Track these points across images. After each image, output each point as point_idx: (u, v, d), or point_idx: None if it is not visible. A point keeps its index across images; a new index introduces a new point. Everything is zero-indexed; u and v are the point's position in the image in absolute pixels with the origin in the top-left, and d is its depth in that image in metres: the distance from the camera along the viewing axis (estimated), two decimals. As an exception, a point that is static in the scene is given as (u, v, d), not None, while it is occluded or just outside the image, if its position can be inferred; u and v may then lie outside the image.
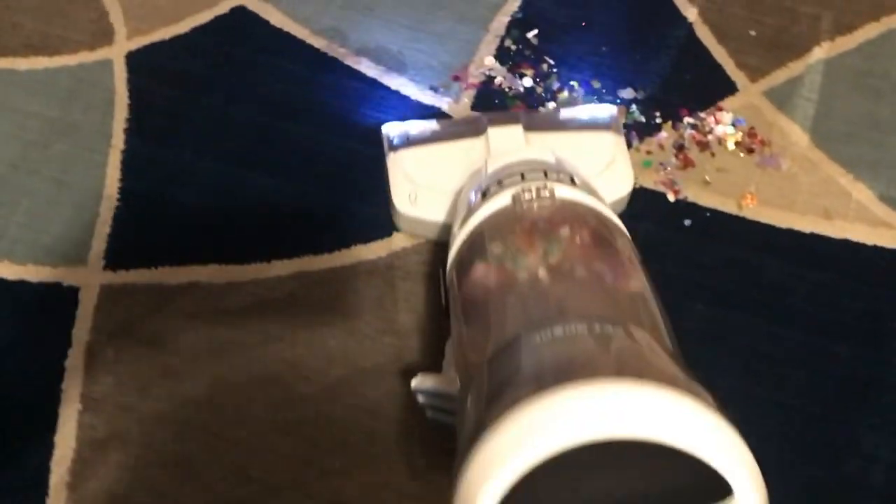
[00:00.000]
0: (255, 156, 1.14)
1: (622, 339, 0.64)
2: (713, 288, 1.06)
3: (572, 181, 0.90)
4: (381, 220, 1.09)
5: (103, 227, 1.09)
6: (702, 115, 1.16)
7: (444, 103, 1.16)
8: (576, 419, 0.54)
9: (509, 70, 1.18)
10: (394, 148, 1.07)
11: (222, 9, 1.23)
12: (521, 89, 1.17)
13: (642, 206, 1.10)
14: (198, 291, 1.05)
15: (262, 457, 0.97)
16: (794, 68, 1.19)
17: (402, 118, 1.13)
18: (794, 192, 1.12)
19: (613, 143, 1.06)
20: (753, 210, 1.11)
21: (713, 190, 1.12)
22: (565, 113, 1.11)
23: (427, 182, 1.03)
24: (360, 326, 1.04)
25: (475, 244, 0.86)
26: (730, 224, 1.10)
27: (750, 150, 1.14)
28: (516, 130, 1.03)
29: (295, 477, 0.96)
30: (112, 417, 0.99)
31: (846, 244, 1.09)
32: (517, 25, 1.22)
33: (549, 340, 0.63)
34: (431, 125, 1.09)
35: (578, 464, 0.54)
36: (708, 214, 1.10)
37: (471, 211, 0.90)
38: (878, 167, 1.13)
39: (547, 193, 0.84)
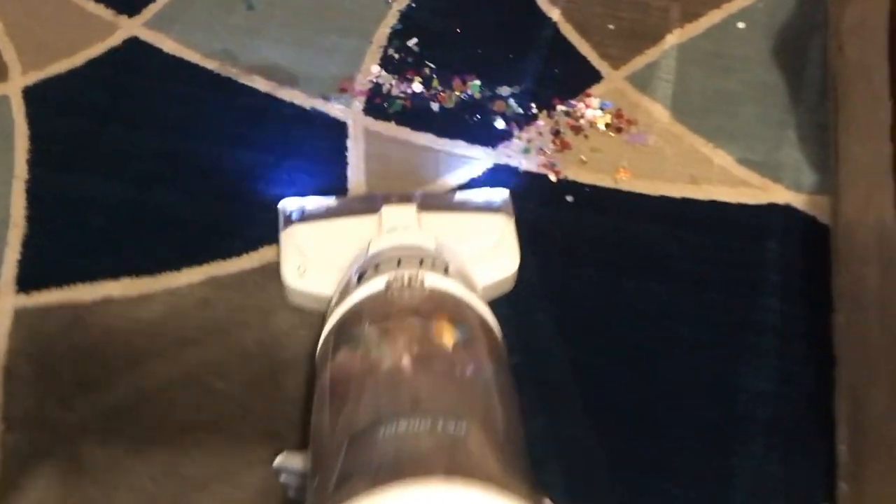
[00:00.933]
0: (160, 176, 1.19)
1: (461, 438, 0.69)
2: (599, 254, 1.16)
3: (446, 270, 0.93)
4: (286, 222, 1.16)
5: (13, 254, 1.12)
6: (573, 102, 1.26)
7: (336, 111, 1.24)
8: None
9: (395, 76, 1.27)
10: (288, 222, 1.09)
11: (115, 41, 1.29)
12: (408, 92, 1.25)
13: (527, 187, 1.20)
14: (112, 305, 1.09)
15: (190, 454, 1.01)
16: (650, 55, 1.32)
17: (296, 127, 1.21)
18: (662, 163, 1.23)
19: (502, 226, 1.09)
20: (628, 182, 1.21)
21: (590, 168, 1.22)
22: (460, 195, 1.15)
23: (317, 256, 1.05)
24: (274, 323, 1.09)
25: (344, 328, 0.88)
26: (608, 197, 1.20)
27: (619, 130, 1.25)
28: (409, 210, 1.05)
29: (223, 470, 1.00)
30: (35, 434, 1.01)
31: (713, 204, 1.21)
32: (398, 36, 1.31)
33: (393, 436, 0.68)
34: (328, 201, 1.12)
35: None
36: (587, 190, 1.20)
37: (345, 293, 0.93)
38: (734, 135, 1.26)
39: (418, 283, 0.88)
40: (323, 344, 0.90)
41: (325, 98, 1.25)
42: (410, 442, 0.68)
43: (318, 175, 1.19)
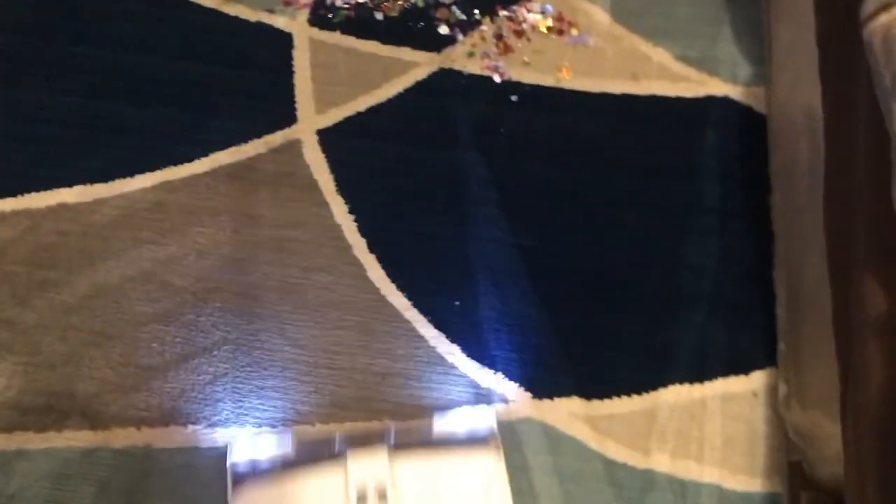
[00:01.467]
0: (107, 87, 1.20)
1: None
2: (545, 150, 1.19)
3: None
4: (234, 129, 1.17)
5: (-37, 166, 1.14)
6: (514, 7, 1.29)
7: (281, 22, 1.26)
8: None
9: (338, -13, 1.29)
10: (237, 480, 0.91)
11: None
12: (352, 2, 1.28)
13: (473, 90, 1.23)
14: (65, 211, 1.10)
15: (147, 345, 1.03)
16: (587, -38, 1.35)
17: (242, 40, 1.23)
18: (603, 62, 1.26)
19: (491, 467, 0.92)
20: (570, 81, 1.24)
21: (532, 69, 1.25)
22: (439, 425, 0.98)
23: None
24: (226, 222, 1.11)
25: None
26: (551, 95, 1.23)
27: (560, 32, 1.28)
28: (380, 458, 0.89)
29: (182, 357, 1.02)
30: (-5, 333, 1.03)
31: (653, 99, 1.24)
32: (341, -50, 1.33)
33: None
34: (283, 444, 0.94)
35: None
36: (530, 89, 1.23)
37: None
38: (671, 33, 1.29)
39: None
40: None
41: (270, 11, 1.27)
42: None
43: (265, 83, 1.21)
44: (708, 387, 1.06)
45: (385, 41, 1.26)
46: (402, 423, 1.00)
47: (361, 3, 1.28)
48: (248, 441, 0.95)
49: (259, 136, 1.17)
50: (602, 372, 1.06)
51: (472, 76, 1.24)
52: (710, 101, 1.24)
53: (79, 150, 1.15)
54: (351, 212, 1.13)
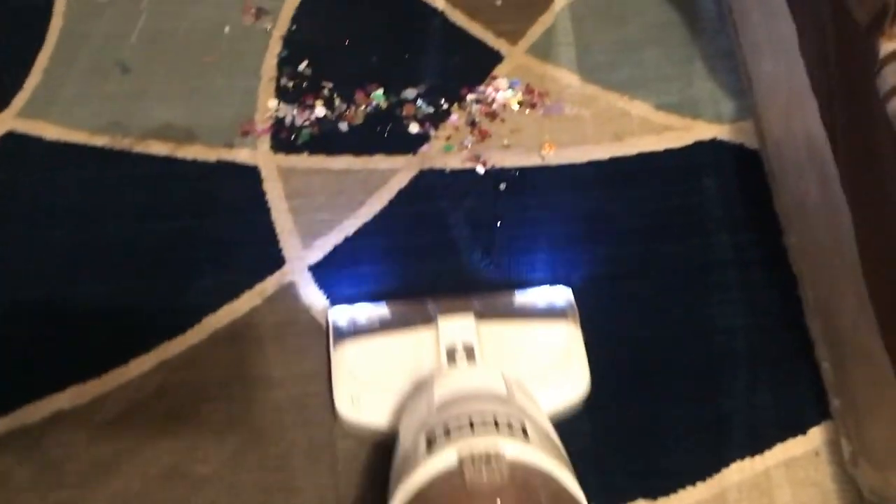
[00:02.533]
0: (74, 269, 1.11)
1: None
2: (545, 233, 1.14)
3: (524, 429, 0.82)
4: (221, 285, 1.10)
5: (-57, 394, 1.04)
6: (481, 88, 1.23)
7: (243, 156, 1.18)
8: None
9: (295, 106, 1.22)
10: (339, 338, 1.01)
11: None
12: (313, 118, 1.20)
13: (459, 185, 1.17)
14: (64, 419, 1.02)
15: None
16: (545, 21, 1.29)
17: (205, 184, 1.15)
18: (583, 127, 1.21)
19: (569, 335, 1.02)
20: (555, 156, 1.19)
21: (514, 151, 1.19)
22: (520, 298, 1.06)
23: (372, 381, 0.97)
24: (239, 392, 1.04)
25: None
26: (539, 175, 1.18)
27: (533, 106, 1.23)
28: (467, 321, 0.98)
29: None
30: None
31: (642, 157, 1.19)
32: (287, 63, 1.25)
33: None
34: (379, 310, 1.04)
35: None
36: (517, 174, 1.18)
37: (415, 462, 0.81)
38: (644, 81, 1.25)
39: (496, 460, 0.76)
40: None
41: (229, 146, 1.19)
42: None
43: (241, 228, 1.14)
44: (769, 456, 1.02)
45: (357, 153, 1.19)
46: (486, 295, 1.06)
47: (322, 118, 1.21)
48: (345, 308, 1.05)
49: (250, 286, 1.10)
50: (659, 465, 1.02)
51: (454, 172, 1.18)
52: (700, 146, 1.20)
53: (60, 347, 1.07)
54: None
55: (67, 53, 1.25)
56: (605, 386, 1.06)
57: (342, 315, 1.04)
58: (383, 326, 1.02)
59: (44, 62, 1.24)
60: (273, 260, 1.12)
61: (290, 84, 1.23)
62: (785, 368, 1.07)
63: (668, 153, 1.20)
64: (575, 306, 1.06)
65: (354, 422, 0.98)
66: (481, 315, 1.00)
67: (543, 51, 1.27)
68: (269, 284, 1.10)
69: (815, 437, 1.04)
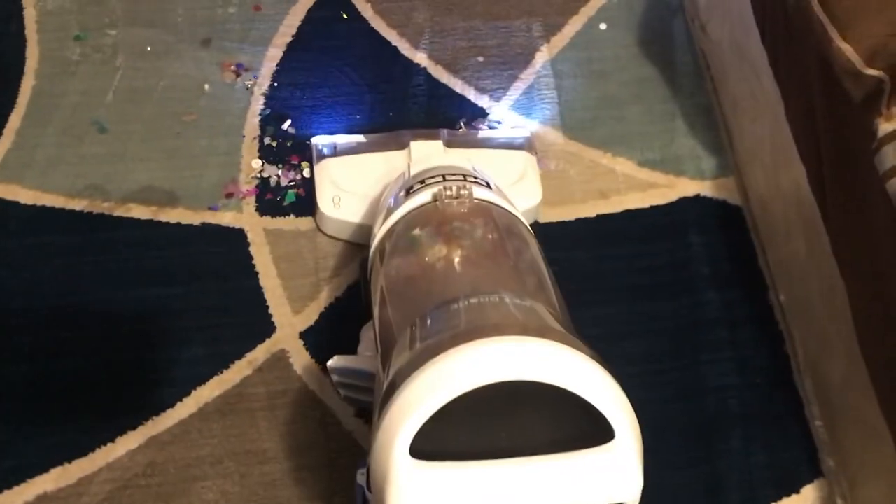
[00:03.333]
0: (55, 342, 1.07)
1: (526, 308, 0.71)
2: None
3: (488, 186, 0.97)
4: (210, 356, 1.07)
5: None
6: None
7: (228, 219, 1.15)
8: (482, 365, 0.61)
9: (279, 165, 1.19)
10: (321, 157, 1.15)
11: None
12: (298, 178, 1.18)
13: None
14: (50, 502, 0.98)
15: None
16: (526, 78, 1.30)
17: (189, 249, 1.13)
18: (569, 186, 1.21)
19: (525, 160, 1.17)
20: (545, 214, 1.19)
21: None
22: (484, 134, 1.22)
23: (351, 187, 1.11)
24: (231, 468, 1.01)
25: (399, 235, 0.91)
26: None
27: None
28: (437, 144, 1.12)
29: None
30: None
31: (628, 214, 1.20)
32: (269, 121, 1.23)
33: (466, 307, 0.69)
34: (358, 138, 1.19)
35: (487, 409, 0.61)
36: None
37: (394, 207, 0.95)
38: (628, 138, 1.26)
39: (465, 193, 0.90)
40: (375, 252, 0.93)
41: (213, 208, 1.16)
42: (483, 311, 0.69)
43: (229, 294, 1.11)
44: (765, 516, 1.04)
45: (343, 213, 1.18)
46: (455, 130, 1.22)
47: (308, 177, 1.19)
48: (330, 136, 1.20)
49: (240, 356, 1.07)
50: (659, 529, 1.02)
51: (443, 231, 1.17)
52: (684, 202, 1.22)
53: (43, 425, 1.02)
54: (360, 415, 1.04)
55: (41, 114, 1.20)
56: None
57: (324, 140, 1.19)
58: (361, 149, 1.17)
59: (16, 123, 1.19)
60: (263, 327, 1.09)
61: (274, 143, 1.21)
62: (778, 427, 1.09)
63: (654, 210, 1.21)
64: (533, 140, 1.22)
65: (337, 218, 1.12)
66: (450, 143, 1.14)
67: (526, 108, 1.27)
68: (260, 353, 1.07)
69: (809, 495, 1.05)
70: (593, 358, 0.65)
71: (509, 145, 1.19)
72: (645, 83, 1.30)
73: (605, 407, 0.62)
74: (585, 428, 0.63)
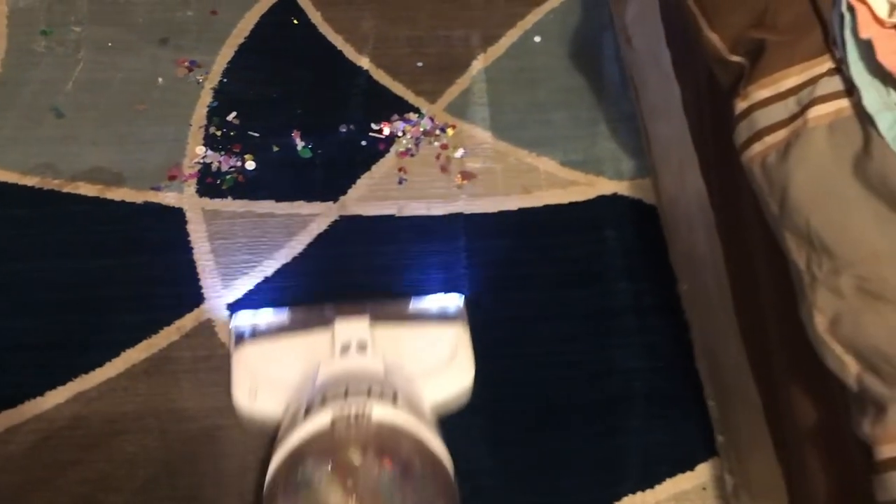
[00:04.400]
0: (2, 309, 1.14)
1: None
2: (458, 277, 1.20)
3: (395, 398, 0.91)
4: (141, 322, 1.14)
5: None
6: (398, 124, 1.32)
7: (170, 199, 1.23)
8: None
9: (221, 153, 1.27)
10: (240, 341, 1.06)
11: None
12: (239, 165, 1.26)
13: (376, 231, 1.23)
14: (-24, 448, 1.04)
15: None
16: (462, 83, 1.38)
17: (131, 225, 1.20)
18: (494, 180, 1.29)
19: (457, 337, 1.09)
20: (468, 206, 1.26)
21: (430, 199, 1.27)
22: (414, 304, 1.14)
23: (269, 377, 1.02)
24: (152, 423, 1.07)
25: (291, 468, 0.85)
26: (453, 222, 1.25)
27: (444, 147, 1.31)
28: (362, 324, 1.04)
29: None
30: None
31: (548, 209, 1.28)
32: (216, 113, 1.32)
33: None
34: (281, 315, 1.10)
35: None
36: (431, 221, 1.25)
37: (291, 425, 0.89)
38: (552, 140, 1.33)
39: (364, 418, 0.85)
40: (270, 483, 0.86)
41: (156, 189, 1.24)
42: None
43: (164, 267, 1.18)
44: (659, 490, 1.08)
45: (279, 199, 1.25)
46: (383, 301, 1.13)
47: (246, 165, 1.27)
48: (248, 313, 1.11)
49: (169, 323, 1.14)
50: (557, 501, 1.07)
51: (372, 218, 1.25)
52: (602, 200, 1.29)
53: (-22, 378, 1.09)
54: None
55: (3, 99, 1.29)
56: (508, 423, 1.12)
57: (244, 319, 1.10)
58: (283, 329, 1.08)
59: (-21, 106, 1.29)
60: (193, 298, 1.16)
61: (219, 133, 1.29)
62: (677, 408, 1.14)
63: (573, 206, 1.28)
64: (464, 311, 1.13)
65: (252, 414, 1.02)
66: (376, 318, 1.06)
67: (460, 109, 1.35)
68: (188, 321, 1.14)
69: (703, 472, 1.10)
70: None
71: (440, 317, 1.13)
72: (573, 91, 1.39)
73: None
74: None
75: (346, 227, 1.24)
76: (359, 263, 1.21)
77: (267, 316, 1.10)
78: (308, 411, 0.89)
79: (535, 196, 1.28)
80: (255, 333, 1.08)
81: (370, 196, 1.26)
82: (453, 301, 1.15)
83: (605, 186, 1.30)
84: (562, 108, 1.37)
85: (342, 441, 0.84)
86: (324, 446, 0.85)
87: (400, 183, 1.28)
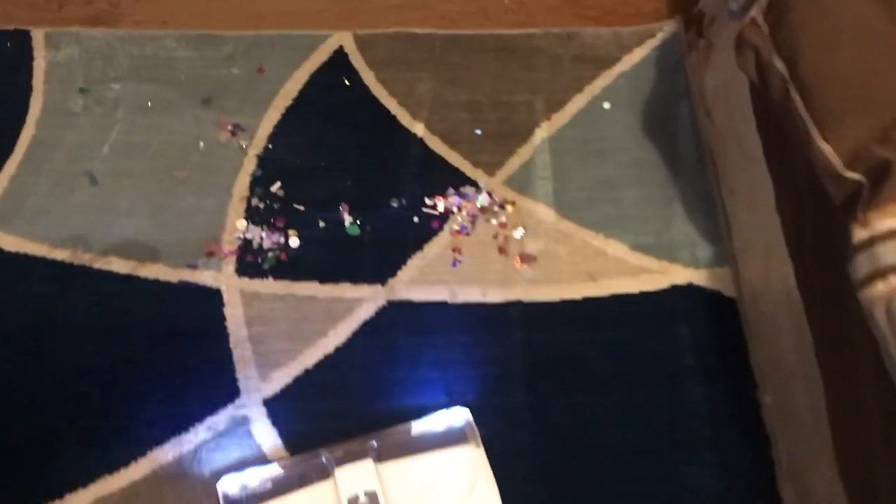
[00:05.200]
0: (20, 391, 1.06)
1: None
2: (515, 373, 1.10)
3: None
4: (171, 416, 1.05)
5: None
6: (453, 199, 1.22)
7: (207, 278, 1.15)
8: None
9: (263, 227, 1.19)
10: None
11: None
12: (281, 242, 1.17)
13: (427, 319, 1.13)
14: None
15: None
16: (523, 154, 1.28)
17: (164, 306, 1.11)
18: (557, 266, 1.18)
19: (471, 459, 0.98)
20: (528, 292, 1.16)
21: (484, 284, 1.16)
22: (417, 428, 1.02)
23: None
24: (179, 535, 0.98)
25: None
26: (511, 311, 1.15)
27: (503, 226, 1.20)
28: (366, 467, 0.94)
29: None
30: None
31: (616, 299, 1.16)
32: (259, 182, 1.23)
33: None
34: (272, 471, 0.98)
35: None
36: (487, 308, 1.14)
37: None
38: (622, 221, 1.22)
39: None
40: None
41: (192, 266, 1.15)
42: None
43: (198, 354, 1.09)
44: None
45: (323, 280, 1.16)
46: (383, 432, 1.01)
47: (290, 242, 1.17)
48: (236, 476, 0.98)
49: (200, 419, 1.05)
50: None
51: (423, 304, 1.15)
52: (675, 290, 1.17)
53: (-5, 476, 1.01)
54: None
55: (36, 162, 1.22)
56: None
57: (233, 484, 0.98)
58: (278, 489, 0.96)
59: (11, 170, 1.21)
60: (227, 391, 1.07)
61: (261, 205, 1.20)
62: (756, 536, 1.03)
63: (644, 296, 1.17)
64: (474, 425, 1.02)
65: None
66: (380, 456, 0.96)
67: (521, 183, 1.25)
68: (221, 418, 1.05)
69: None
70: None
71: (449, 439, 1.00)
72: (644, 165, 1.27)
73: None
74: None
75: (394, 313, 1.14)
76: (406, 356, 1.11)
77: (257, 475, 0.99)
78: None
79: (602, 284, 1.17)
80: (247, 498, 0.97)
81: (421, 279, 1.16)
82: (459, 416, 1.03)
83: (680, 275, 1.18)
84: (632, 185, 1.25)
85: None
86: None
87: (454, 265, 1.18)
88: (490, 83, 1.35)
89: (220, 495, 0.97)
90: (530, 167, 1.27)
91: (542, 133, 1.30)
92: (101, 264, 1.15)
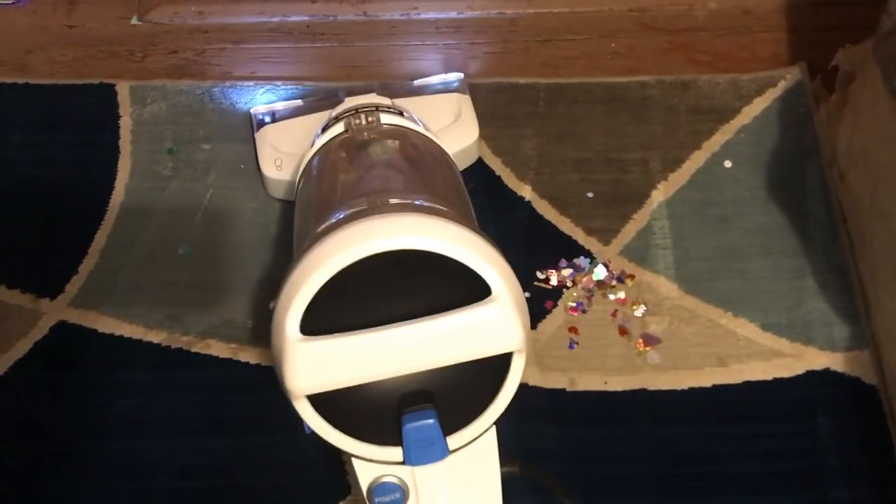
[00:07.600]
0: (130, 492, 1.00)
1: (429, 205, 0.80)
2: (644, 472, 1.02)
3: (401, 114, 1.07)
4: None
5: None
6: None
7: (310, 364, 1.08)
8: (358, 241, 0.69)
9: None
10: (261, 125, 1.21)
11: (40, 332, 1.08)
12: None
13: (542, 405, 1.06)
14: None
15: None
16: (639, 219, 1.19)
17: (266, 391, 1.04)
18: (684, 348, 1.10)
19: (458, 101, 1.21)
20: (651, 380, 1.08)
21: (600, 364, 1.09)
22: (418, 82, 1.26)
23: (290, 149, 1.14)
24: None
25: (312, 164, 1.04)
26: (633, 400, 1.07)
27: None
28: (369, 96, 1.13)
29: None
30: None
31: (748, 386, 1.07)
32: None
33: (367, 207, 0.77)
34: (295, 103, 1.23)
35: (374, 285, 0.70)
36: (606, 397, 1.07)
37: (313, 144, 1.06)
38: (750, 297, 1.13)
39: (374, 119, 1.04)
40: (301, 177, 1.05)
41: (297, 349, 1.08)
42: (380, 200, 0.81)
43: (307, 450, 1.02)
44: None
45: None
46: (388, 82, 1.26)
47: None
48: (267, 105, 1.25)
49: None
50: None
51: (538, 391, 1.07)
52: (811, 377, 1.08)
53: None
54: None
55: (127, 233, 1.15)
56: None
57: (263, 109, 1.23)
58: (297, 112, 1.21)
59: (101, 243, 1.14)
60: (339, 489, 1.01)
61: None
62: None
63: (777, 384, 1.08)
64: (465, 82, 1.26)
65: (281, 179, 1.16)
66: (383, 94, 1.14)
67: (639, 254, 1.16)
68: (336, 521, 0.99)
69: None
70: (475, 231, 0.75)
71: (444, 89, 1.24)
72: (771, 233, 1.18)
73: (481, 268, 0.71)
74: (466, 291, 0.71)
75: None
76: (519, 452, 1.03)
77: (283, 104, 1.23)
78: (324, 130, 1.07)
79: (733, 370, 1.08)
80: (275, 117, 1.21)
81: (536, 364, 1.09)
82: (454, 76, 1.26)
83: (815, 359, 1.09)
84: (759, 255, 1.16)
85: (356, 139, 1.02)
86: (342, 145, 1.03)
87: (571, 347, 1.10)
88: (600, 138, 1.26)
89: (252, 113, 1.24)
90: (647, 235, 1.18)
91: (658, 195, 1.21)
92: (199, 348, 1.07)
